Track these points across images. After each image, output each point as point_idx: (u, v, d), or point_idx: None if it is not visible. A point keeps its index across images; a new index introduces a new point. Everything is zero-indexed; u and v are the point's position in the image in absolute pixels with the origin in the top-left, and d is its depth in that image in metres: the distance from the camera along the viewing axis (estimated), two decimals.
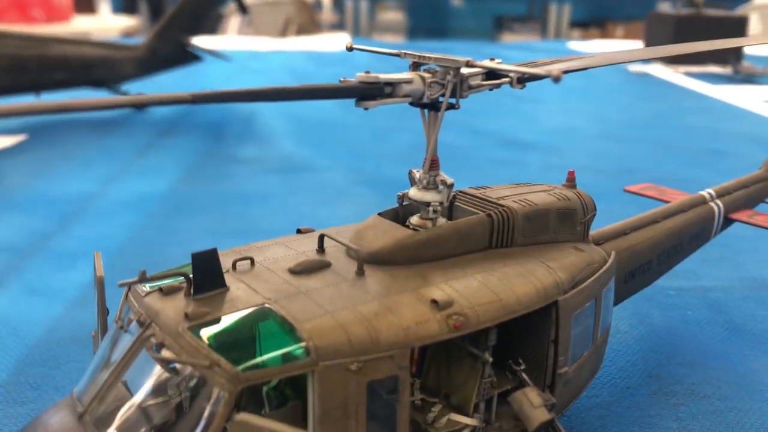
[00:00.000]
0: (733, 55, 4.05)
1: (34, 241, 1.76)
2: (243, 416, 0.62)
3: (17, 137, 2.68)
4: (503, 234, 0.93)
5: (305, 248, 0.88)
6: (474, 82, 0.88)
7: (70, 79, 2.87)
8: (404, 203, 0.95)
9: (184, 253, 0.76)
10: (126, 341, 0.75)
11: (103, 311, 0.86)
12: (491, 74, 0.91)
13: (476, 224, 0.91)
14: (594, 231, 1.11)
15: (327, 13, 9.96)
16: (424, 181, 0.90)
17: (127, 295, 0.81)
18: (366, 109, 0.84)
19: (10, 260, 1.64)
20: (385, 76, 0.83)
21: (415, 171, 0.92)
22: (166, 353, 0.69)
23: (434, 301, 0.77)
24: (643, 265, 1.21)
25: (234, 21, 5.74)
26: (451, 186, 0.90)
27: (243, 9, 3.20)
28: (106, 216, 1.93)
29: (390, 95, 0.84)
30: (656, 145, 2.67)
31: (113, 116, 3.03)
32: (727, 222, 1.42)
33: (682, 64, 4.18)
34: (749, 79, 3.90)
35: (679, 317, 1.42)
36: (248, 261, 0.82)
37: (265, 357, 0.68)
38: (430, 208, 0.89)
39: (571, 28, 9.94)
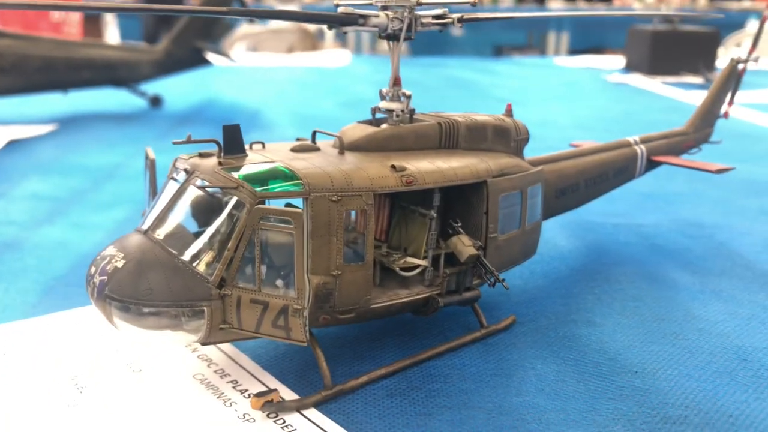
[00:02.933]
0: (705, 66, 4.42)
1: (74, 195, 2.08)
2: (259, 207, 0.93)
3: (49, 126, 3.01)
4: (449, 138, 1.24)
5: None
6: (426, 21, 1.20)
7: (94, 78, 3.21)
8: (376, 115, 1.26)
9: None
10: (176, 185, 1.06)
11: (154, 187, 1.17)
12: (441, 18, 1.22)
13: (428, 128, 1.22)
14: (529, 157, 1.42)
15: (329, 42, 10.37)
16: (390, 95, 1.21)
17: (174, 162, 1.12)
18: (345, 33, 1.16)
19: (56, 207, 1.96)
20: (360, 11, 1.14)
21: (383, 89, 1.24)
22: (206, 184, 1.00)
23: (393, 166, 1.08)
24: (571, 185, 1.51)
25: (239, 46, 6.14)
26: (409, 97, 1.21)
27: (251, 20, 3.55)
28: (133, 178, 2.24)
29: (362, 25, 1.15)
30: (620, 134, 2.97)
31: (132, 111, 3.37)
32: (651, 164, 1.72)
33: (659, 75, 4.52)
34: None
35: (611, 240, 1.72)
36: (260, 144, 1.14)
37: (274, 185, 0.99)
38: (394, 114, 1.20)
39: (569, 56, 10.31)
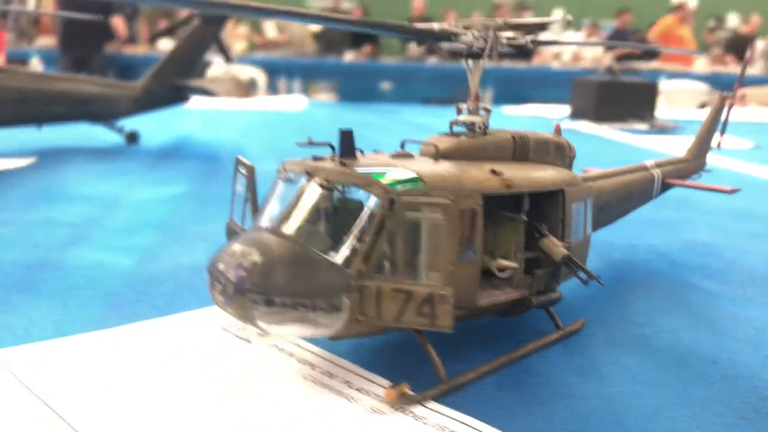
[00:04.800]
0: (649, 113, 4.82)
1: (89, 221, 2.03)
2: (405, 198, 0.97)
3: (28, 159, 2.92)
4: (521, 150, 1.32)
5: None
6: (506, 42, 1.29)
7: (70, 113, 3.15)
8: (454, 128, 1.33)
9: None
10: (294, 186, 1.09)
11: (254, 192, 1.20)
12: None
13: (505, 140, 1.30)
14: None
15: (262, 91, 10.45)
16: (471, 108, 1.29)
17: (283, 167, 1.15)
18: (439, 50, 1.24)
19: (76, 231, 1.92)
20: (453, 29, 1.22)
21: (460, 104, 1.32)
22: (339, 182, 1.05)
23: (493, 170, 1.16)
24: (606, 203, 1.62)
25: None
26: (489, 112, 1.30)
27: (226, 56, 3.59)
28: (139, 206, 2.22)
29: (453, 42, 1.23)
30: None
31: (109, 147, 3.31)
32: (665, 186, 1.86)
33: (606, 121, 4.83)
34: (662, 131, 4.62)
35: (632, 257, 1.84)
36: (359, 150, 1.19)
37: (399, 183, 1.04)
38: (476, 126, 1.28)
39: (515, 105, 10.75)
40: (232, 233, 1.27)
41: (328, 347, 1.20)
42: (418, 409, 1.02)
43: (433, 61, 12.85)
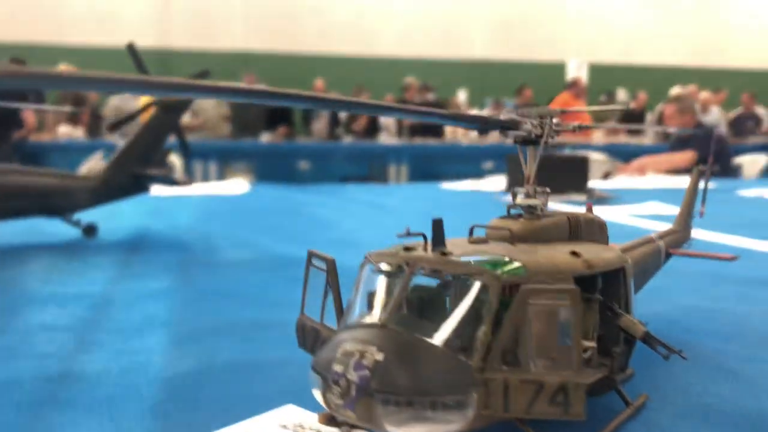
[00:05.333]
0: (584, 185, 5.08)
1: (86, 323, 1.91)
2: (529, 287, 0.98)
3: None
4: (575, 230, 1.37)
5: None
6: (557, 128, 1.36)
7: (27, 207, 2.98)
8: (511, 211, 1.36)
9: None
10: (391, 278, 1.08)
11: (338, 289, 1.17)
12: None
13: (562, 222, 1.34)
14: None
15: (179, 173, 10.30)
16: (530, 191, 1.33)
17: (372, 258, 1.13)
18: (506, 137, 1.28)
19: (79, 336, 1.80)
20: (517, 118, 1.27)
21: (517, 188, 1.36)
22: (444, 272, 1.04)
23: (573, 252, 1.19)
24: (635, 275, 1.68)
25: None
26: (548, 194, 1.34)
27: (186, 150, 3.54)
28: (131, 304, 2.11)
29: (515, 130, 1.28)
30: None
31: (66, 241, 3.14)
32: (668, 256, 1.96)
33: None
34: (602, 201, 4.89)
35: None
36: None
37: (507, 271, 1.05)
38: (538, 208, 1.32)
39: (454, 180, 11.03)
40: (309, 330, 1.23)
41: None
42: None
43: (348, 140, 13.13)
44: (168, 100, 3.22)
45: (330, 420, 1.18)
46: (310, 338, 1.23)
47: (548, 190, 1.34)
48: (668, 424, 1.28)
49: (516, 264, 1.07)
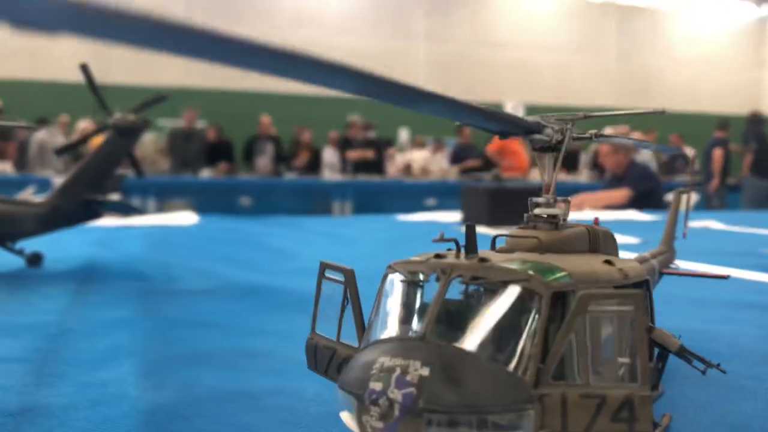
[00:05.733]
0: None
1: (44, 354, 1.72)
2: (588, 292, 0.89)
3: None
4: (595, 242, 1.31)
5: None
6: (575, 135, 1.30)
7: None
8: (528, 222, 1.29)
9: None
10: (424, 287, 0.98)
11: (358, 303, 1.07)
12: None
13: (583, 232, 1.28)
14: None
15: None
16: (551, 200, 1.26)
17: (398, 267, 1.03)
18: (532, 141, 1.21)
19: (39, 368, 1.61)
20: (540, 121, 1.20)
21: (534, 198, 1.29)
22: (487, 279, 0.94)
23: (607, 261, 1.12)
24: None
25: None
26: (569, 202, 1.27)
27: (139, 171, 3.35)
28: (91, 334, 1.92)
29: (538, 133, 1.21)
30: None
31: (8, 272, 2.90)
32: (660, 275, 1.92)
33: (499, 225, 5.03)
34: None
35: None
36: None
37: (554, 277, 0.96)
38: (561, 218, 1.25)
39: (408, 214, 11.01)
40: (323, 350, 1.11)
41: None
42: None
43: (291, 176, 13.02)
44: (123, 123, 3.05)
45: None
46: (325, 358, 1.11)
47: (569, 199, 1.28)
48: None
49: (561, 272, 0.99)
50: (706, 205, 11.60)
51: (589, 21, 20.79)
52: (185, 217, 5.28)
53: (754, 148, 11.64)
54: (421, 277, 1.01)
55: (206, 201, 10.90)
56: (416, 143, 15.50)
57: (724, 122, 12.65)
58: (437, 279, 0.99)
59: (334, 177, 12.89)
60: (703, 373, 1.20)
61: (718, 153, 11.61)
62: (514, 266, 0.98)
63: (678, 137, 14.73)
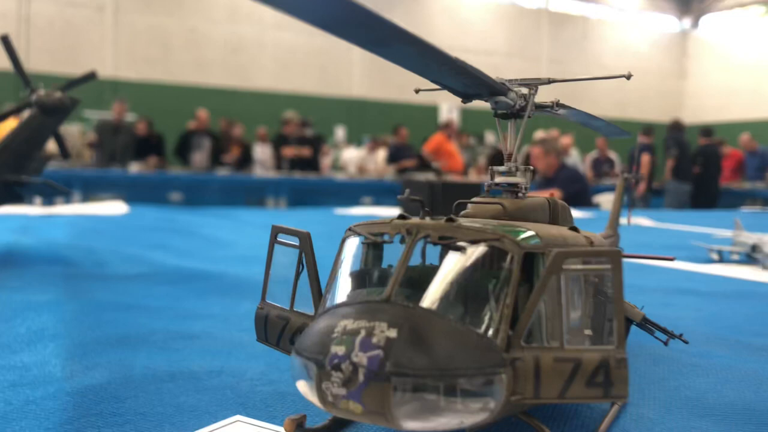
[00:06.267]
0: None
1: None
2: (562, 251, 0.84)
3: None
4: (555, 213, 1.27)
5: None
6: (539, 102, 1.26)
7: None
8: (489, 190, 1.24)
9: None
10: (389, 249, 0.92)
11: (315, 267, 0.99)
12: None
13: (543, 203, 1.24)
14: None
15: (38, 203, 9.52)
16: (512, 169, 1.21)
17: (359, 230, 0.96)
18: (496, 105, 1.16)
19: None
20: (507, 84, 1.16)
21: (493, 167, 1.24)
22: (456, 239, 0.88)
23: (573, 228, 1.08)
24: None
25: None
26: (533, 171, 1.23)
27: (65, 153, 3.15)
28: (11, 317, 1.76)
29: (503, 96, 1.16)
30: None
31: None
32: None
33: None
34: None
35: None
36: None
37: (524, 238, 0.91)
38: (523, 187, 1.20)
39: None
40: (275, 320, 1.03)
41: None
42: None
43: (223, 171, 12.74)
44: (48, 100, 2.86)
45: (298, 428, 0.99)
46: (276, 329, 1.03)
47: (531, 167, 1.24)
48: (657, 418, 1.18)
49: (529, 232, 0.94)
50: (633, 207, 11.96)
51: (522, 27, 21.22)
52: (114, 207, 5.04)
53: (675, 154, 12.09)
54: (386, 238, 0.95)
55: (135, 196, 10.55)
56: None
57: (648, 128, 13.09)
58: (402, 240, 0.92)
59: (268, 174, 12.69)
60: (665, 343, 1.19)
61: (645, 158, 12.00)
62: (482, 226, 0.92)
63: (603, 141, 15.17)
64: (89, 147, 13.01)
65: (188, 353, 1.49)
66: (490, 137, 16.84)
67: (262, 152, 13.40)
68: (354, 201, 10.90)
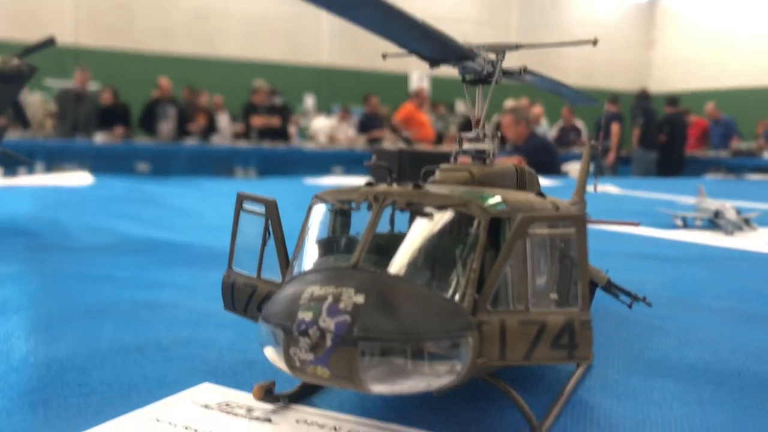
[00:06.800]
0: None
1: None
2: (527, 215, 0.85)
3: None
4: (522, 179, 1.28)
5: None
6: (506, 69, 1.25)
7: None
8: (456, 156, 1.24)
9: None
10: (356, 216, 0.91)
11: (281, 235, 0.99)
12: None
13: (511, 169, 1.24)
14: None
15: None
16: (480, 135, 1.21)
17: (327, 198, 0.96)
18: (463, 70, 1.15)
19: None
20: (474, 49, 1.15)
21: (462, 133, 1.24)
22: (423, 204, 0.88)
23: (540, 194, 1.09)
24: None
25: None
26: (501, 138, 1.23)
27: (24, 122, 3.08)
28: None
29: (471, 61, 1.15)
30: None
31: None
32: None
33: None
34: None
35: None
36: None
37: (490, 204, 0.91)
38: (491, 153, 1.20)
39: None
40: (241, 288, 1.03)
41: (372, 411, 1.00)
42: None
43: (191, 141, 12.57)
44: (5, 67, 2.78)
45: (267, 394, 0.99)
46: (244, 297, 1.03)
47: (499, 134, 1.24)
48: (622, 379, 1.21)
49: (497, 198, 0.94)
50: (601, 175, 12.16)
51: None
52: (79, 177, 4.95)
53: (642, 123, 12.23)
54: (353, 205, 0.94)
55: (101, 167, 10.36)
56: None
57: (615, 97, 13.20)
58: (369, 207, 0.92)
59: (237, 143, 12.55)
60: (629, 306, 1.21)
61: (615, 128, 12.12)
62: (449, 192, 0.92)
63: (569, 110, 15.25)
64: (51, 117, 12.71)
65: (155, 323, 1.48)
66: (461, 106, 16.82)
67: (221, 121, 13.25)
68: (325, 170, 10.86)
